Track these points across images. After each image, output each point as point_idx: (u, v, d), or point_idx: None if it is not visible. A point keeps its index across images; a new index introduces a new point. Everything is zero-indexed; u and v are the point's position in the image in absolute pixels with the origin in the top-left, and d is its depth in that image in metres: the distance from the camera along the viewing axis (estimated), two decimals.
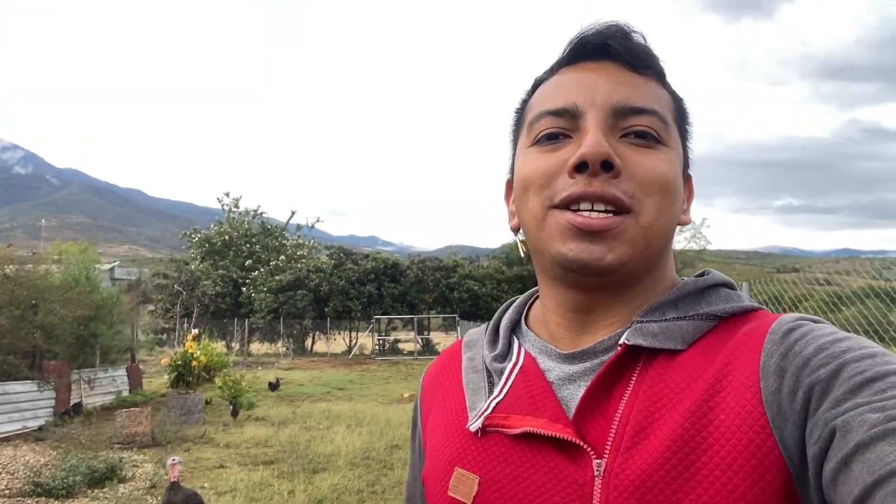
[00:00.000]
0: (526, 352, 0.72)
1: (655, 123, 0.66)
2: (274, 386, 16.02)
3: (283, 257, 35.14)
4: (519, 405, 0.67)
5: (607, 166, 0.62)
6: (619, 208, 0.63)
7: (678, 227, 0.71)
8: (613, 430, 0.61)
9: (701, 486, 0.55)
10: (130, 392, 14.77)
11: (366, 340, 32.78)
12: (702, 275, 0.71)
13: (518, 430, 0.64)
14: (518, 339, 0.75)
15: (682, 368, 0.62)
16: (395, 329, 34.34)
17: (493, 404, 0.68)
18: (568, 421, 0.62)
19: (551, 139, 0.67)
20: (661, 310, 0.66)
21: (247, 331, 32.79)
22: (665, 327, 0.64)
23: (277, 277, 32.39)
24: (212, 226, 39.05)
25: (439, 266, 33.48)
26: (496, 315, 0.81)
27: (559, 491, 0.61)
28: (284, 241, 38.29)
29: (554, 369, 0.69)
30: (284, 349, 32.97)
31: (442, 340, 33.51)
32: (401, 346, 32.92)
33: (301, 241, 38.79)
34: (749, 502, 0.53)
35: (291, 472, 7.19)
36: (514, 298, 0.83)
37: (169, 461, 4.83)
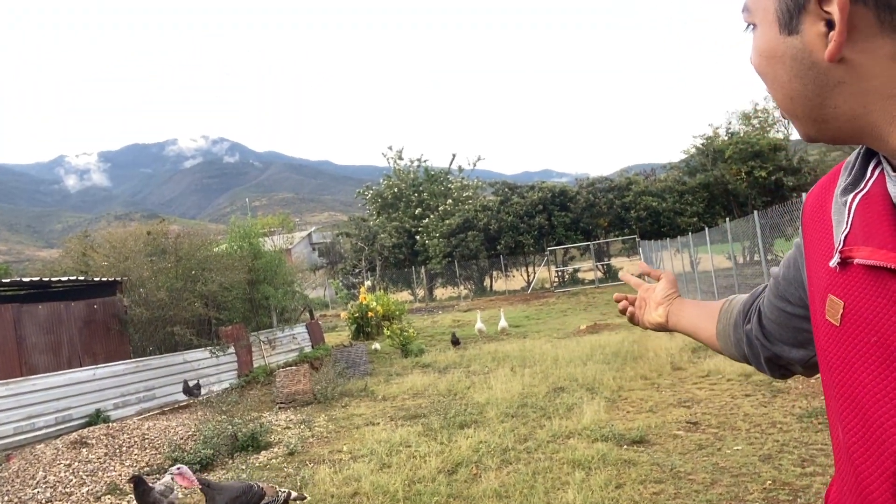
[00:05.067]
0: (880, 173, 0.67)
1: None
2: (456, 342, 14.26)
3: (450, 201, 35.00)
4: (859, 236, 0.66)
5: None
6: None
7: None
8: None
9: None
10: (313, 347, 15.31)
11: (544, 274, 31.76)
12: None
13: (857, 262, 0.65)
14: (880, 153, 0.69)
15: None
16: (572, 259, 32.79)
17: (842, 238, 0.68)
18: (894, 245, 0.61)
19: None
20: None
21: (426, 277, 33.49)
22: None
23: (447, 222, 32.37)
24: (381, 180, 40.16)
25: (611, 187, 30.94)
26: None
27: None
28: (449, 185, 38.16)
29: (893, 188, 0.65)
30: (466, 291, 33.21)
31: (624, 265, 31.34)
32: (580, 275, 31.40)
33: (465, 183, 38.37)
34: None
35: (437, 429, 6.46)
36: None
37: (174, 469, 3.98)
